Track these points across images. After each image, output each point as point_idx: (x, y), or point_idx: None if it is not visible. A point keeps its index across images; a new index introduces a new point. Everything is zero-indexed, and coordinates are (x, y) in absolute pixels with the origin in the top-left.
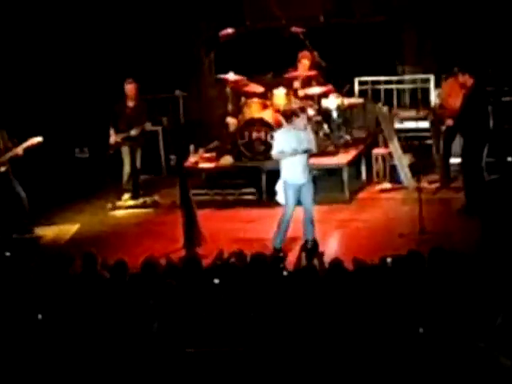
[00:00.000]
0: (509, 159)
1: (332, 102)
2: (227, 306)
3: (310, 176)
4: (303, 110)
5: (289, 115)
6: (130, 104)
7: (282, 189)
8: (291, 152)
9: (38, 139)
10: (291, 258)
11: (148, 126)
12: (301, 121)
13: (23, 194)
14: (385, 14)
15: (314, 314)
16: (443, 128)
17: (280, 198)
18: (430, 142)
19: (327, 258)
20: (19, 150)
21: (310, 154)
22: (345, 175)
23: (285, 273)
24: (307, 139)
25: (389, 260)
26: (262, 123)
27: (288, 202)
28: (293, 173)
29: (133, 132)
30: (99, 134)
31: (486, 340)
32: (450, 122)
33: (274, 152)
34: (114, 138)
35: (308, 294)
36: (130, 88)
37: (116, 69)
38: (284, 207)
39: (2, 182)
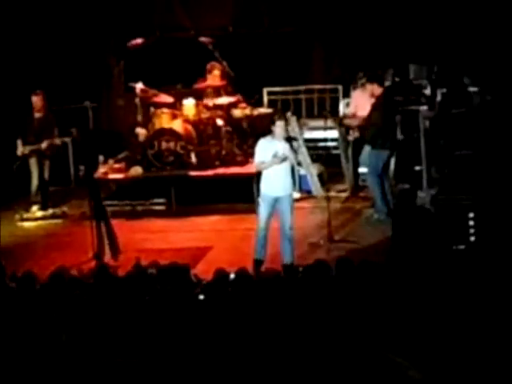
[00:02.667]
0: (416, 168)
1: (241, 112)
2: (141, 316)
3: (290, 190)
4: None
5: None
6: (38, 115)
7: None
8: (271, 161)
9: None
10: None
11: (57, 141)
12: (278, 129)
13: None
14: (293, 25)
15: (224, 324)
16: (351, 137)
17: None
18: (338, 151)
19: (235, 267)
20: None
21: (291, 166)
22: (254, 185)
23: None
24: (286, 149)
25: (300, 269)
26: (171, 133)
27: (260, 214)
28: (269, 185)
29: (43, 145)
30: (6, 146)
31: (396, 351)
32: (357, 131)
33: (255, 162)
34: (21, 149)
35: (217, 304)
36: (36, 99)
37: (23, 79)
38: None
39: None
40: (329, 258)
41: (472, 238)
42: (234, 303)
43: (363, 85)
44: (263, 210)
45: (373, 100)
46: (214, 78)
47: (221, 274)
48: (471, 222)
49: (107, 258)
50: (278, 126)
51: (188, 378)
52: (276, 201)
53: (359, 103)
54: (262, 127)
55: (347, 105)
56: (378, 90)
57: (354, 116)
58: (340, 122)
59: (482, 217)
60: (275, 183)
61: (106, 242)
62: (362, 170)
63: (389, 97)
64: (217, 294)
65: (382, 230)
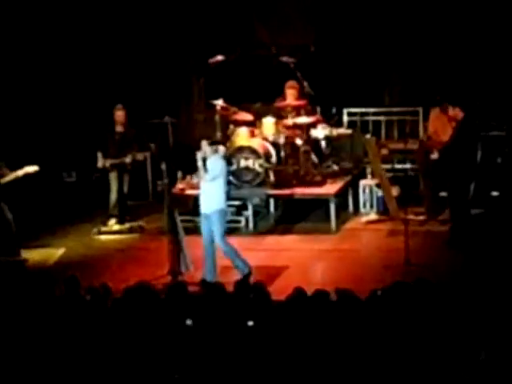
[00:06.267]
0: (493, 193)
1: (320, 132)
2: (212, 333)
3: (219, 208)
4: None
5: None
6: (119, 130)
7: None
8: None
9: (35, 168)
10: None
11: (140, 156)
12: (205, 145)
13: (10, 217)
14: (372, 47)
15: (302, 344)
16: (430, 160)
17: None
18: (417, 174)
19: (311, 288)
20: (19, 173)
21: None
22: (332, 205)
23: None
24: (210, 165)
25: (379, 292)
26: (250, 151)
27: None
28: (201, 201)
29: (127, 159)
30: (87, 159)
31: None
32: (436, 154)
33: None
34: (101, 162)
35: (301, 324)
36: (119, 114)
37: (105, 93)
38: None
39: None
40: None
41: None
42: (311, 323)
43: (442, 107)
44: (202, 227)
45: (453, 124)
46: (292, 97)
47: (299, 293)
48: None
49: (184, 273)
50: (205, 145)
51: None
52: (206, 218)
53: (438, 125)
54: (341, 148)
55: (427, 127)
56: (460, 113)
57: (432, 138)
58: (420, 144)
59: None
60: (202, 200)
61: (175, 257)
62: (442, 193)
63: (471, 121)
64: (294, 312)
65: (459, 255)
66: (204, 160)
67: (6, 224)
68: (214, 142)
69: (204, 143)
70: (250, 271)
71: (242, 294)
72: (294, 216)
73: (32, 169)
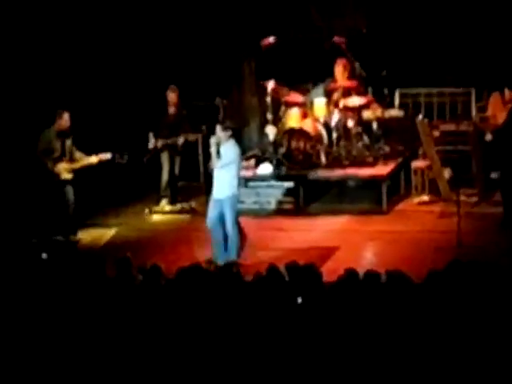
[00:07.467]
0: None
1: (372, 114)
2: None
3: (231, 194)
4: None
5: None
6: (171, 111)
7: None
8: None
9: (107, 156)
10: None
11: (192, 137)
12: (219, 131)
13: (72, 199)
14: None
15: (352, 326)
16: (484, 142)
17: None
18: (470, 155)
19: (362, 269)
20: (94, 160)
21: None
22: (383, 187)
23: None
24: (223, 151)
25: (432, 273)
26: (301, 133)
27: (208, 214)
28: (213, 186)
29: (180, 140)
30: (139, 140)
31: None
32: (489, 136)
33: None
34: (153, 142)
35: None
36: (172, 95)
37: (157, 75)
38: None
39: (58, 186)
40: None
41: None
42: (362, 304)
43: (502, 90)
44: (209, 211)
45: (508, 106)
46: (340, 73)
47: (350, 275)
48: None
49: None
50: (220, 130)
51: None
52: (220, 204)
53: (497, 109)
54: (393, 129)
55: (479, 109)
56: None
57: (488, 120)
58: (474, 126)
59: None
60: (215, 185)
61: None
62: (494, 174)
63: None
64: (346, 293)
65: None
66: (218, 145)
67: (66, 205)
68: (227, 128)
69: (218, 128)
70: (236, 262)
71: (294, 276)
72: (345, 196)
73: (105, 156)
